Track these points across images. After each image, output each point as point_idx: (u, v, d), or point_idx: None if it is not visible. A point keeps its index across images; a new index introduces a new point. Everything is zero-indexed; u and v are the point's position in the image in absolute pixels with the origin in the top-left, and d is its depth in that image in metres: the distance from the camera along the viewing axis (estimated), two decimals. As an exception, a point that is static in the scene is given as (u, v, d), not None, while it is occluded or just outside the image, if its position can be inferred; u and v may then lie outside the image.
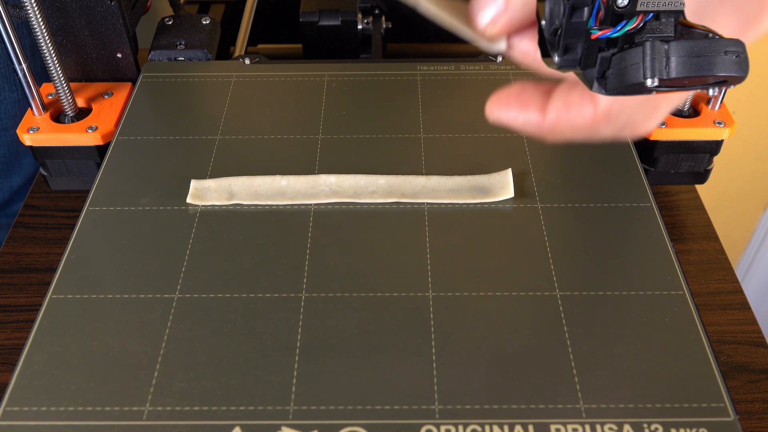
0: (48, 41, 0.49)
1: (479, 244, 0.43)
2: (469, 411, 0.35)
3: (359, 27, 0.65)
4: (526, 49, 0.27)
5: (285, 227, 0.44)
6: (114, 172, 0.48)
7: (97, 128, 0.51)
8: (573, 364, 0.37)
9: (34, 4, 0.47)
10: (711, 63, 0.22)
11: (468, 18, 0.27)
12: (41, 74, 0.55)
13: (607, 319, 0.39)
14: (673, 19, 0.23)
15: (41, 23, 0.48)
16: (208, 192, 0.46)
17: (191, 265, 0.42)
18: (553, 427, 0.34)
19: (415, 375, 0.36)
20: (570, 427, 0.34)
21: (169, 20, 0.60)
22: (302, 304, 0.40)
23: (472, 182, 0.47)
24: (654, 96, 0.25)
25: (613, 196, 0.46)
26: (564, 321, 0.39)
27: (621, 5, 0.22)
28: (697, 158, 0.53)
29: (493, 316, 0.39)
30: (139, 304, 0.40)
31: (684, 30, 0.23)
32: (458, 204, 0.45)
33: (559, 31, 0.24)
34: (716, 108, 0.52)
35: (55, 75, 0.50)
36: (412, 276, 0.41)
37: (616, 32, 0.23)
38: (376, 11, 0.67)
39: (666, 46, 0.22)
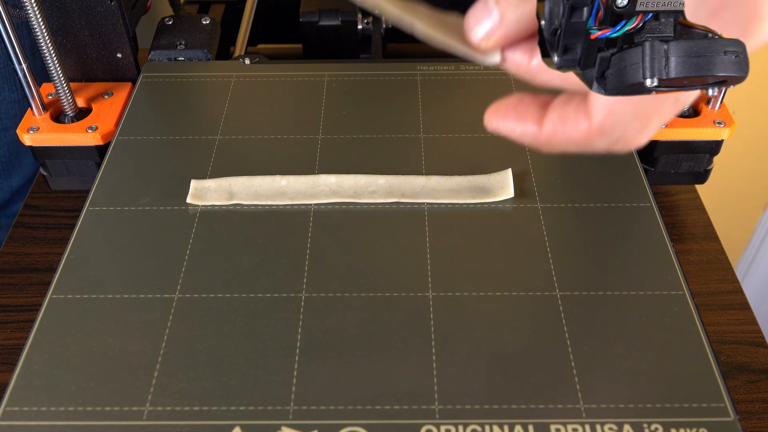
0: (48, 41, 0.49)
1: (479, 244, 0.43)
2: (469, 411, 0.35)
3: (359, 27, 0.65)
4: (519, 61, 0.27)
5: (285, 227, 0.44)
6: (114, 172, 0.48)
7: (97, 128, 0.51)
8: (573, 364, 0.37)
9: (34, 4, 0.47)
10: (710, 63, 0.22)
11: (462, 34, 0.27)
12: (41, 74, 0.55)
13: (607, 319, 0.39)
14: (672, 19, 0.23)
15: (41, 23, 0.48)
16: (208, 192, 0.46)
17: (191, 265, 0.42)
18: (553, 427, 0.34)
19: (415, 375, 0.36)
20: (570, 427, 0.34)
21: (169, 20, 0.60)
22: (302, 304, 0.40)
23: (472, 182, 0.47)
24: (646, 111, 0.25)
25: (613, 196, 0.46)
26: (564, 321, 0.39)
27: (620, 5, 0.22)
28: (697, 158, 0.53)
29: (493, 316, 0.39)
30: (139, 304, 0.40)
31: (683, 30, 0.23)
32: (458, 204, 0.45)
33: (559, 31, 0.24)
34: (716, 108, 0.52)
35: (55, 75, 0.50)
36: (412, 276, 0.41)
37: (615, 32, 0.23)
38: (376, 11, 0.67)
39: (665, 46, 0.22)
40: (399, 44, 0.71)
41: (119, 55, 0.55)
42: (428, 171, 0.48)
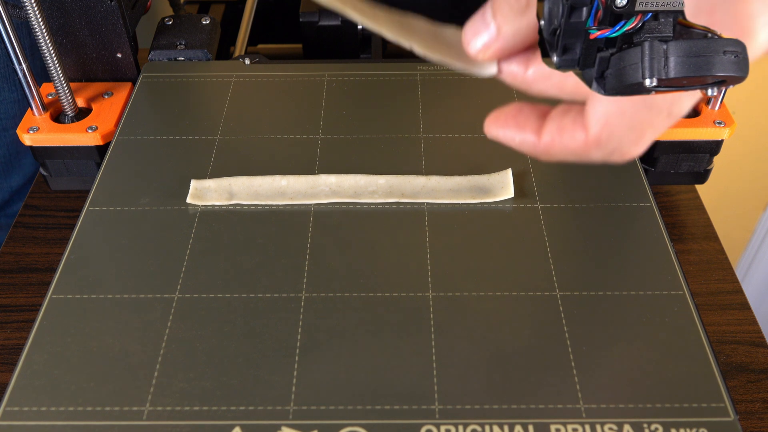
0: (48, 41, 0.49)
1: (479, 244, 0.43)
2: (469, 411, 0.35)
3: (359, 27, 0.64)
4: (516, 72, 0.28)
5: (285, 227, 0.44)
6: (114, 172, 0.48)
7: (97, 128, 0.51)
8: (573, 364, 0.37)
9: (34, 4, 0.47)
10: (709, 63, 0.22)
11: (458, 47, 0.28)
12: (41, 74, 0.55)
13: (607, 319, 0.39)
14: (671, 19, 0.23)
15: (41, 23, 0.48)
16: (208, 192, 0.46)
17: (191, 265, 0.42)
18: (553, 427, 0.34)
19: (415, 375, 0.36)
20: (570, 427, 0.34)
21: (169, 20, 0.60)
22: (302, 304, 0.40)
23: (472, 182, 0.47)
24: (640, 124, 0.26)
25: (613, 196, 0.46)
26: (564, 321, 0.39)
27: (619, 5, 0.22)
28: (697, 158, 0.53)
29: (493, 316, 0.39)
30: (139, 304, 0.40)
31: (683, 30, 0.23)
32: (458, 204, 0.45)
33: (558, 31, 0.24)
34: (716, 108, 0.52)
35: (55, 75, 0.50)
36: (412, 276, 0.41)
37: (614, 32, 0.23)
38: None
39: (665, 46, 0.22)
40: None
41: (119, 55, 0.55)
42: (428, 171, 0.48)
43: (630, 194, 0.46)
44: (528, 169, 0.48)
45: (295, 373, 0.37)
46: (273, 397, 0.36)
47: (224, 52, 0.67)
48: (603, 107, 0.26)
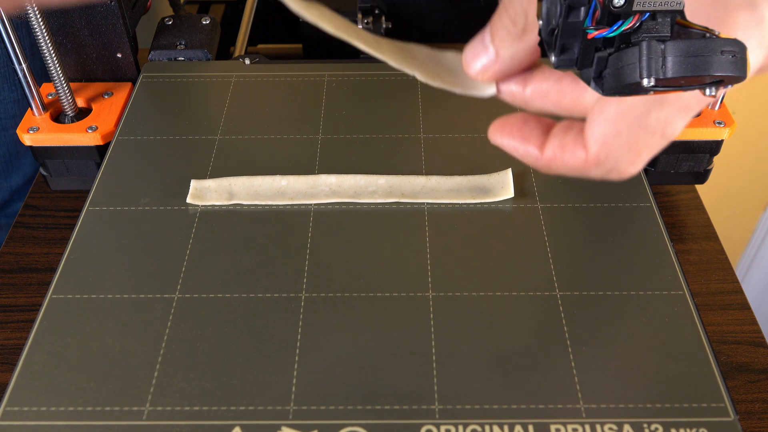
0: (48, 41, 0.49)
1: (479, 244, 0.43)
2: (469, 411, 0.35)
3: (359, 27, 0.64)
4: (515, 91, 0.29)
5: (285, 227, 0.44)
6: (114, 172, 0.48)
7: (97, 128, 0.51)
8: (573, 364, 0.37)
9: (34, 4, 0.47)
10: (707, 63, 0.21)
11: (458, 71, 0.30)
12: (41, 74, 0.55)
13: (607, 319, 0.39)
14: (669, 19, 0.22)
15: (41, 23, 0.48)
16: (208, 192, 0.46)
17: (191, 265, 0.42)
18: (553, 427, 0.34)
19: (415, 375, 0.36)
20: (570, 427, 0.34)
21: (169, 20, 0.60)
22: (302, 304, 0.40)
23: (472, 182, 0.47)
24: (636, 144, 0.26)
25: (613, 196, 0.46)
26: (564, 321, 0.39)
27: (617, 5, 0.22)
28: (697, 158, 0.53)
29: (493, 316, 0.39)
30: (139, 304, 0.40)
31: (681, 30, 0.23)
32: (458, 204, 0.45)
33: (556, 31, 0.24)
34: (716, 108, 0.52)
35: (55, 75, 0.50)
36: (412, 276, 0.41)
37: (612, 32, 0.23)
38: (376, 11, 0.67)
39: (662, 46, 0.22)
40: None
41: (119, 55, 0.55)
42: (428, 171, 0.48)
43: (630, 194, 0.46)
44: (528, 169, 0.48)
45: (295, 373, 0.37)
46: (273, 397, 0.36)
47: (224, 52, 0.67)
48: (600, 129, 0.27)
